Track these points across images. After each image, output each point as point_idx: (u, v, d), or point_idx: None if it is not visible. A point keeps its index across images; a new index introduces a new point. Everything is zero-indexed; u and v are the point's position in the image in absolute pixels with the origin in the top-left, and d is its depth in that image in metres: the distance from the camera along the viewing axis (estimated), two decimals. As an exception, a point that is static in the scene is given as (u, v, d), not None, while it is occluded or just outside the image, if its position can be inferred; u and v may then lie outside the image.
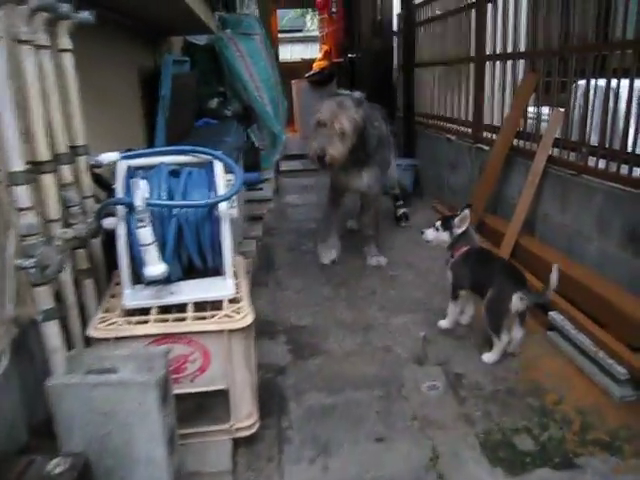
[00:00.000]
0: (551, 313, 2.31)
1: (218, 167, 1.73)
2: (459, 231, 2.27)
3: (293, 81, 8.15)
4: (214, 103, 4.89)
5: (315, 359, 2.24)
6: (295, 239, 3.78)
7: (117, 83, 2.52)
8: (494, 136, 3.53)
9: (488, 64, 3.65)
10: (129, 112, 2.71)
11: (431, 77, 4.87)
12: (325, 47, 9.39)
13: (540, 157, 2.83)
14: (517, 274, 2.15)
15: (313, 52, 12.13)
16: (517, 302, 2.04)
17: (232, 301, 1.63)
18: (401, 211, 4.20)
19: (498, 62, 3.50)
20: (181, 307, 1.61)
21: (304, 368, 2.17)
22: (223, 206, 1.59)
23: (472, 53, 3.87)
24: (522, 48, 3.22)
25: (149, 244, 1.46)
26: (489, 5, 3.56)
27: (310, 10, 13.20)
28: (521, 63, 3.29)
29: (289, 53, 13.30)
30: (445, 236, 2.31)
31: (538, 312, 2.42)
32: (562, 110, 2.78)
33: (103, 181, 1.82)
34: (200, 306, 1.62)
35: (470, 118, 4.00)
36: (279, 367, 2.18)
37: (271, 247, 3.65)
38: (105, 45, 2.29)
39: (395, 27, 5.72)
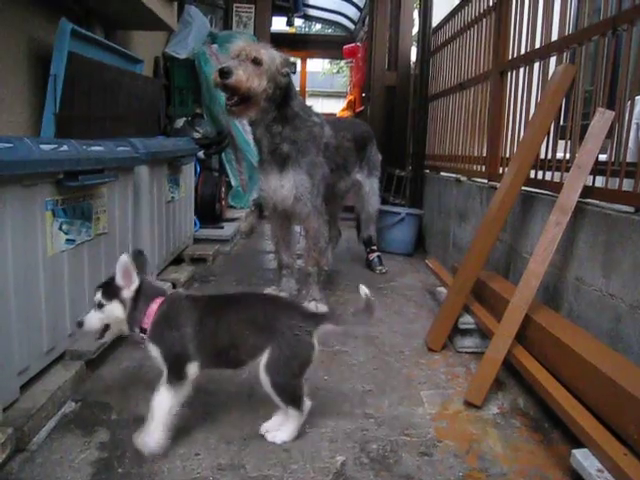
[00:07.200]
0: (576, 452, 1.21)
1: None
2: (132, 290, 1.35)
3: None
4: (180, 122, 4.11)
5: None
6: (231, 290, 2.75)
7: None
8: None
9: (510, 75, 2.69)
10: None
11: (445, 109, 3.94)
12: (350, 97, 8.73)
13: (572, 184, 1.78)
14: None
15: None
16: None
17: None
18: (374, 255, 3.34)
19: (523, 69, 2.52)
20: None
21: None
22: None
23: (490, 66, 2.93)
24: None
25: None
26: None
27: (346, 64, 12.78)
28: (553, 63, 2.30)
29: (320, 107, 13.00)
30: (118, 309, 1.36)
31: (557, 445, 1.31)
32: (611, 113, 1.76)
33: None
34: None
35: (484, 152, 3.01)
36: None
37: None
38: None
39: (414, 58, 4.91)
